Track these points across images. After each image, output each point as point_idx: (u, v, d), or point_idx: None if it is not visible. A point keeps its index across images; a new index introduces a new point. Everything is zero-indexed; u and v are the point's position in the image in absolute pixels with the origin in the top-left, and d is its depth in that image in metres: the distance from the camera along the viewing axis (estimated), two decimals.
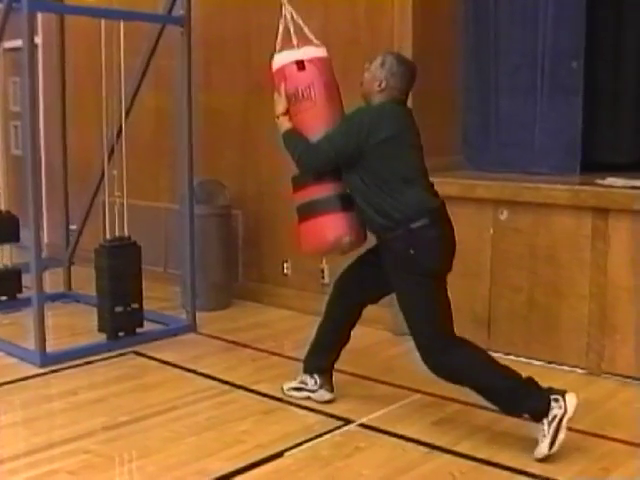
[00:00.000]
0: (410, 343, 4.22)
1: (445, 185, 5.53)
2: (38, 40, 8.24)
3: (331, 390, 4.67)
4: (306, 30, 4.54)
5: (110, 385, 5.00)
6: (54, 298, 6.79)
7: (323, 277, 6.37)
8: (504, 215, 5.39)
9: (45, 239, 8.38)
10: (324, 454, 4.06)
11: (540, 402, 3.91)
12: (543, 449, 3.87)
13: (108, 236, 5.81)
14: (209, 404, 4.71)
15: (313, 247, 4.46)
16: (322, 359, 4.62)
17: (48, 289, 6.78)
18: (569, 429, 4.16)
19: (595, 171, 5.45)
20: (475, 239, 5.43)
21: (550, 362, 5.24)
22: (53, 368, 5.24)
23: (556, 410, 3.88)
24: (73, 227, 6.99)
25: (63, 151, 7.03)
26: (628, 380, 5.00)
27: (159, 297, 6.65)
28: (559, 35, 5.65)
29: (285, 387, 4.78)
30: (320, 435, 4.26)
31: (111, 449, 4.10)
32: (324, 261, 6.34)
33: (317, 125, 4.31)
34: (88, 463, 3.93)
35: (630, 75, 5.75)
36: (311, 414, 4.55)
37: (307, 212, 4.37)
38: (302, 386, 4.70)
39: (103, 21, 5.75)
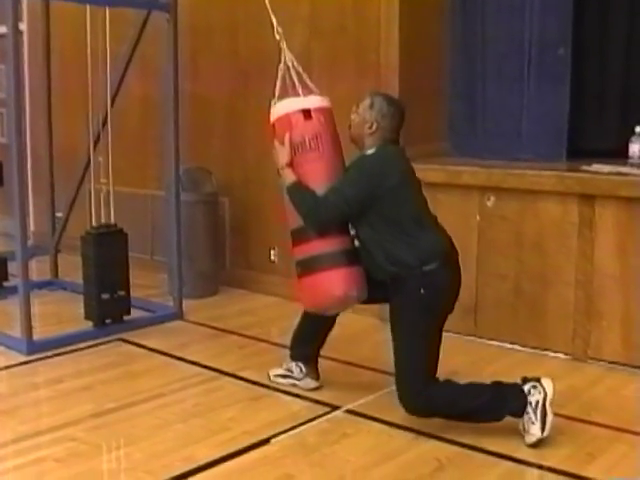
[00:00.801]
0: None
1: (431, 172, 5.56)
2: (23, 27, 8.20)
3: (316, 378, 4.68)
4: (306, 77, 4.43)
5: (97, 372, 4.99)
6: (40, 286, 6.78)
7: None
8: (491, 201, 5.40)
9: (31, 227, 8.36)
10: (311, 441, 4.07)
11: (517, 399, 3.94)
12: (535, 433, 3.89)
13: (94, 223, 5.80)
14: (196, 391, 4.71)
15: (318, 303, 4.28)
16: (307, 347, 4.62)
17: (34, 277, 6.78)
18: (554, 414, 4.20)
19: (581, 158, 5.46)
20: (461, 226, 5.43)
21: (536, 348, 5.25)
22: (40, 356, 5.23)
23: (537, 395, 3.91)
24: (59, 215, 6.96)
25: (49, 138, 6.99)
26: (614, 366, 5.02)
27: (146, 284, 6.64)
28: (546, 22, 5.65)
29: (271, 374, 4.78)
30: (307, 422, 4.27)
31: (98, 436, 4.10)
32: None
33: (323, 177, 4.16)
34: (75, 451, 3.93)
35: (616, 62, 5.74)
36: (298, 401, 4.56)
37: (311, 267, 4.19)
38: (288, 373, 4.71)
39: (88, 7, 5.73)
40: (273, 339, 5.63)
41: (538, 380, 3.96)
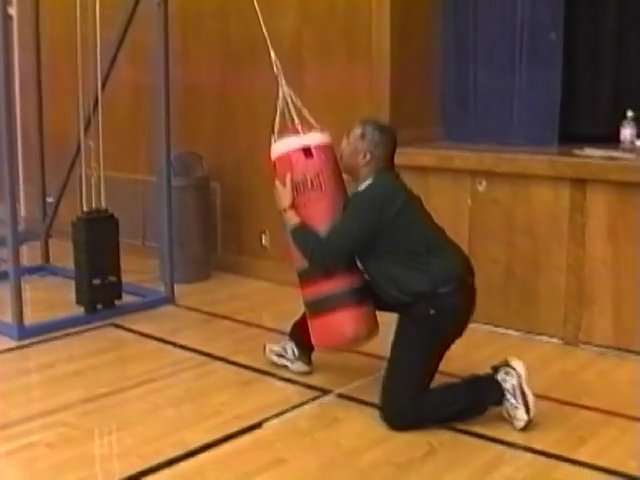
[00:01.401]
0: (388, 316, 4.21)
1: (423, 156, 5.56)
2: (12, 11, 8.14)
3: (308, 363, 4.68)
4: (305, 112, 4.39)
5: (88, 358, 4.99)
6: (31, 271, 6.75)
7: None
8: (483, 186, 5.39)
9: (22, 212, 8.31)
10: (302, 425, 4.08)
11: (493, 391, 3.93)
12: (522, 417, 3.89)
13: (85, 209, 5.78)
14: (187, 376, 4.72)
15: (330, 344, 4.26)
16: (303, 333, 4.59)
17: (25, 262, 6.76)
18: (546, 398, 4.22)
19: (573, 143, 5.46)
20: (452, 210, 5.44)
21: (527, 333, 5.26)
22: (31, 341, 5.22)
23: (511, 380, 3.90)
24: (50, 200, 6.94)
25: (39, 123, 6.97)
26: (604, 350, 5.03)
27: (137, 270, 6.62)
28: (537, 7, 5.64)
29: (268, 348, 4.80)
30: (298, 406, 4.28)
31: (89, 422, 4.10)
32: None
33: (327, 217, 4.10)
34: (66, 436, 3.93)
35: (608, 46, 5.74)
36: (289, 385, 4.56)
37: (320, 309, 4.17)
38: (282, 353, 4.72)
39: None
40: (264, 324, 5.63)
41: (508, 365, 3.95)
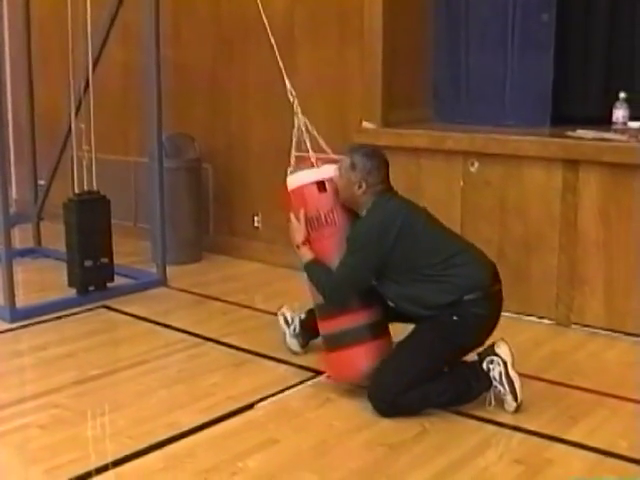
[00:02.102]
0: None
1: (415, 137, 5.56)
2: None
3: (303, 345, 4.68)
4: (322, 142, 4.33)
5: (80, 340, 4.99)
6: (23, 254, 6.74)
7: None
8: (475, 167, 5.39)
9: (13, 195, 8.30)
10: (295, 405, 4.09)
11: (480, 381, 3.93)
12: (511, 403, 3.91)
13: (77, 191, 5.77)
14: (179, 357, 4.72)
15: (346, 377, 4.19)
16: (310, 317, 4.53)
17: (17, 245, 6.76)
18: (537, 379, 4.24)
19: (565, 124, 5.45)
20: (445, 191, 5.43)
21: (519, 313, 5.26)
22: (23, 323, 5.22)
23: (497, 368, 3.90)
24: (41, 182, 6.92)
25: (30, 105, 6.94)
26: (596, 331, 5.04)
27: (129, 251, 6.62)
28: None
29: (283, 309, 4.81)
30: (291, 387, 4.28)
31: (82, 403, 4.10)
32: None
33: (341, 251, 4.02)
34: (59, 417, 3.93)
35: (600, 28, 5.72)
36: (282, 366, 4.57)
37: (337, 343, 4.11)
38: (290, 322, 4.72)
39: None
40: (257, 305, 5.64)
41: (492, 351, 3.93)
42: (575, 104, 5.77)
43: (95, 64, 5.93)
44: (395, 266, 3.95)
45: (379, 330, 4.11)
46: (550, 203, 5.13)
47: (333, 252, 4.05)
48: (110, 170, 6.57)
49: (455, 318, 3.87)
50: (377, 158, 4.10)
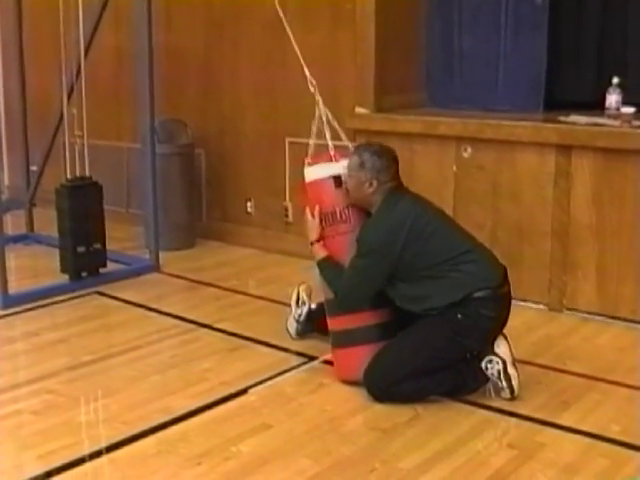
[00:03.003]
0: None
1: (408, 122, 5.55)
2: None
3: (299, 333, 4.68)
4: (342, 133, 4.29)
5: (73, 325, 4.99)
6: (16, 240, 6.72)
7: (287, 216, 6.36)
8: (468, 152, 5.39)
9: (6, 181, 8.29)
10: (288, 390, 4.09)
11: (476, 381, 3.93)
12: (507, 396, 3.92)
13: (69, 176, 5.75)
14: (173, 343, 4.72)
15: (350, 376, 4.12)
16: (319, 312, 4.50)
17: (9, 231, 6.73)
18: (530, 364, 4.25)
19: (558, 109, 5.45)
20: (437, 176, 5.43)
21: (512, 298, 5.25)
22: (15, 310, 5.21)
23: (495, 367, 3.88)
24: (34, 168, 6.90)
25: (22, 91, 6.91)
26: (589, 316, 5.05)
27: (122, 237, 6.61)
28: None
29: (302, 287, 4.74)
30: (284, 372, 4.29)
31: (75, 389, 4.11)
32: (288, 200, 6.33)
33: (354, 249, 3.99)
34: (52, 403, 3.94)
35: (593, 12, 5.71)
36: (275, 351, 4.57)
37: (344, 341, 4.10)
38: (300, 305, 4.69)
39: None
40: (250, 290, 5.64)
41: (492, 351, 3.89)
42: (568, 89, 5.77)
43: (87, 50, 5.90)
44: (404, 267, 3.90)
45: (388, 331, 4.04)
46: (543, 188, 5.13)
47: (346, 249, 4.00)
48: (102, 156, 6.56)
49: (460, 317, 3.83)
50: (386, 156, 4.04)
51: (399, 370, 3.87)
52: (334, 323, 4.17)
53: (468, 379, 3.94)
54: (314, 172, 4.15)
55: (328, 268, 4.08)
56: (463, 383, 3.95)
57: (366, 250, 3.92)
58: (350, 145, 4.27)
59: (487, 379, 3.92)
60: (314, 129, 4.26)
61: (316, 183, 4.14)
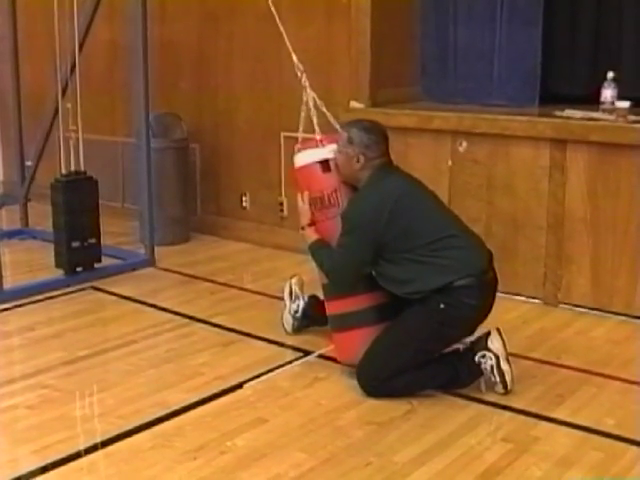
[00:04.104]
0: None
1: (403, 117, 5.55)
2: None
3: (295, 328, 4.68)
4: (330, 118, 4.29)
5: (68, 320, 4.99)
6: (11, 235, 6.73)
7: (282, 210, 6.36)
8: (463, 147, 5.39)
9: (0, 176, 8.28)
10: (283, 385, 4.10)
11: (470, 374, 3.93)
12: (500, 391, 3.92)
13: (64, 171, 5.74)
14: (168, 337, 4.72)
15: (349, 359, 4.14)
16: (317, 309, 4.51)
17: (4, 226, 6.75)
18: (525, 358, 4.26)
19: (553, 103, 5.46)
20: (433, 170, 5.42)
21: (507, 292, 5.27)
22: (11, 305, 5.21)
23: (488, 362, 3.88)
24: (28, 163, 6.88)
25: (16, 86, 6.88)
26: (583, 310, 5.06)
27: (117, 232, 6.61)
28: None
29: (294, 280, 4.74)
30: (279, 366, 4.29)
31: (70, 383, 4.11)
32: (283, 194, 6.33)
33: None
34: (47, 397, 3.94)
35: (588, 6, 5.71)
36: (270, 346, 4.58)
37: (341, 324, 4.12)
38: (293, 298, 4.69)
39: None
40: (245, 285, 5.65)
41: (485, 345, 3.89)
42: (563, 82, 5.77)
43: (82, 44, 5.88)
44: (389, 245, 3.89)
45: (385, 313, 4.04)
46: (538, 182, 5.14)
47: (337, 233, 4.00)
48: (97, 150, 6.54)
49: (442, 306, 3.81)
50: (375, 131, 4.05)
51: (389, 366, 3.88)
52: (331, 307, 4.19)
53: (462, 373, 3.93)
54: (302, 158, 4.19)
55: (319, 250, 4.10)
56: (456, 377, 3.94)
57: (350, 226, 3.93)
58: (339, 129, 4.22)
59: (481, 373, 3.92)
60: (302, 113, 4.28)
61: (304, 169, 4.18)
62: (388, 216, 3.85)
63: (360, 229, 3.90)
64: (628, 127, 4.87)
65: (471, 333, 3.96)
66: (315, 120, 4.23)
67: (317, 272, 4.19)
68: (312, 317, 4.60)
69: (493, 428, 3.71)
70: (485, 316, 3.95)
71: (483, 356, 3.90)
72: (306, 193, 4.14)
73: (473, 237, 4.06)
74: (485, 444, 3.53)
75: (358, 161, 3.97)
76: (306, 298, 4.67)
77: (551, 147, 5.06)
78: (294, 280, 4.76)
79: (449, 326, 3.87)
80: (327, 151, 4.11)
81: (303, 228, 4.17)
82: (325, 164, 4.09)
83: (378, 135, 4.04)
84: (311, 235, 4.13)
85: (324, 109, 4.30)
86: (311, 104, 4.29)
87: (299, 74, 4.35)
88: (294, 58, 4.37)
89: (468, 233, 4.05)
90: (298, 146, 4.26)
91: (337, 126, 4.27)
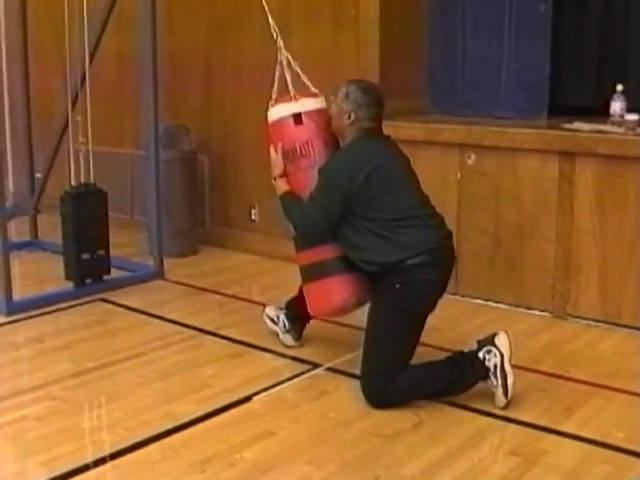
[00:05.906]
0: None
1: (411, 129, 5.56)
2: None
3: (297, 338, 4.69)
4: (304, 77, 4.33)
5: (77, 332, 4.99)
6: (20, 246, 6.74)
7: None
8: (472, 159, 5.39)
9: (10, 187, 8.28)
10: (291, 397, 4.10)
11: (475, 372, 3.91)
12: (500, 398, 3.89)
13: (73, 183, 5.76)
14: (176, 349, 4.72)
15: (321, 310, 4.27)
16: (297, 306, 4.57)
17: (14, 237, 6.73)
18: (533, 370, 4.25)
19: (561, 114, 5.46)
20: (441, 183, 5.43)
21: (515, 305, 5.27)
22: (20, 316, 5.22)
23: (493, 359, 3.86)
24: (38, 175, 6.91)
25: (26, 97, 6.91)
26: (592, 322, 5.05)
27: (126, 244, 6.62)
28: None
29: (266, 310, 4.82)
30: (287, 379, 4.29)
31: (78, 395, 4.11)
32: None
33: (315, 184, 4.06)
34: (55, 409, 3.94)
35: (596, 18, 5.72)
36: (278, 358, 4.58)
37: (311, 275, 4.19)
38: (276, 320, 4.72)
39: None
40: (253, 297, 5.65)
41: (492, 341, 3.90)
42: (571, 94, 5.78)
43: (92, 55, 5.90)
44: (352, 207, 3.95)
45: (351, 263, 4.08)
46: (546, 194, 5.14)
47: (309, 185, 4.08)
48: (106, 162, 6.56)
49: (398, 286, 3.87)
50: (372, 95, 4.10)
51: (380, 367, 3.90)
52: (301, 258, 4.27)
53: (465, 371, 3.92)
54: (275, 112, 4.26)
55: (288, 202, 4.17)
56: (460, 375, 3.92)
57: (325, 182, 4.00)
58: (312, 87, 4.35)
59: (485, 372, 3.88)
60: (277, 74, 4.36)
61: (277, 122, 4.25)
62: (363, 180, 3.90)
63: (335, 186, 3.96)
64: (637, 140, 4.86)
65: (434, 307, 3.98)
66: (289, 78, 4.30)
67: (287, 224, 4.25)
68: (298, 314, 4.60)
69: (501, 441, 3.72)
70: (442, 288, 3.99)
71: (489, 351, 3.89)
72: (280, 144, 4.21)
73: (434, 217, 4.07)
74: (493, 457, 3.54)
75: (349, 117, 4.05)
76: (283, 306, 4.72)
77: (559, 159, 5.06)
78: (266, 310, 4.83)
79: (412, 303, 3.90)
80: (300, 105, 4.20)
81: (275, 179, 4.25)
82: (297, 117, 4.18)
83: (373, 98, 4.09)
84: (282, 186, 4.22)
85: (298, 69, 4.37)
86: (285, 63, 4.37)
87: (274, 35, 4.45)
88: (270, 21, 4.46)
89: (430, 214, 4.07)
90: (272, 102, 4.32)
91: (311, 86, 4.35)
